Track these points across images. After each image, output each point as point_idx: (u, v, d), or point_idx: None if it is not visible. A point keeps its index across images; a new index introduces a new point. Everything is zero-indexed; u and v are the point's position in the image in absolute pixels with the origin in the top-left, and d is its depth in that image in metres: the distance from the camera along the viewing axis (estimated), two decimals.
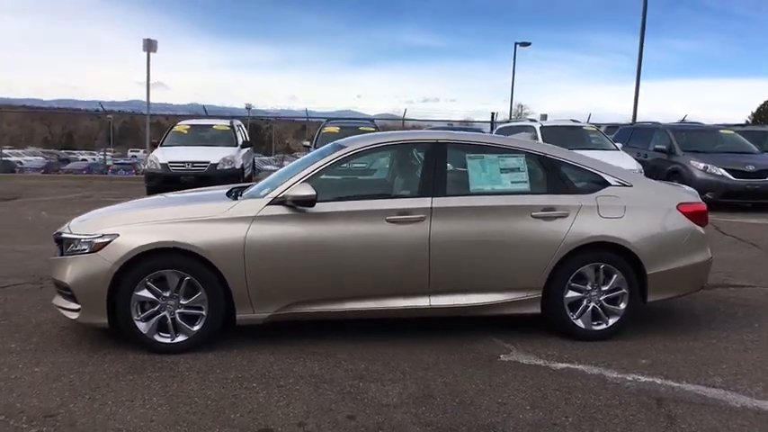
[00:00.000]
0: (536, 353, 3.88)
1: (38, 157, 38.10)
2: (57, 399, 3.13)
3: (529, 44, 30.06)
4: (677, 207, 4.24)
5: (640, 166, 10.80)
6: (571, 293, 4.09)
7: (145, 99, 18.16)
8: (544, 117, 21.79)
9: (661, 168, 12.16)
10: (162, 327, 3.74)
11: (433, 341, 4.03)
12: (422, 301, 3.96)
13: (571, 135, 12.07)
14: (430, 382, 3.41)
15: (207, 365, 3.59)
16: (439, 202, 3.94)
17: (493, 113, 23.67)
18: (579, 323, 4.11)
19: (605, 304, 4.13)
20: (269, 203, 3.82)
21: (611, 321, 4.14)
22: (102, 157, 35.89)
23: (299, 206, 3.79)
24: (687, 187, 4.85)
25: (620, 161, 10.91)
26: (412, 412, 3.04)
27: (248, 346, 3.87)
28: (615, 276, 4.10)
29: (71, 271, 3.71)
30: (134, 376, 3.42)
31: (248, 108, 45.22)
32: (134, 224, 3.78)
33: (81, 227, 3.88)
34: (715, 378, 3.55)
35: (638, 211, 4.14)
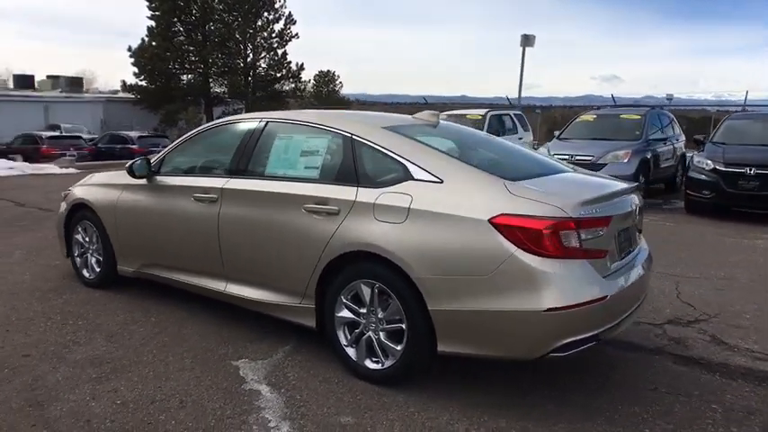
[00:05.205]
0: (310, 370, 3.26)
1: None
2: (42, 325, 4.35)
3: None
4: (491, 219, 2.72)
5: None
6: (345, 313, 3.20)
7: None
8: None
9: None
10: (86, 265, 4.82)
11: (261, 333, 3.76)
12: (220, 285, 3.82)
13: None
14: (142, 376, 3.22)
15: (99, 298, 4.46)
16: (231, 183, 3.70)
17: None
18: (350, 352, 3.19)
19: (383, 339, 3.07)
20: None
21: (388, 363, 3.05)
22: None
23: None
24: (574, 191, 2.86)
25: None
26: (83, 379, 3.16)
27: (156, 298, 4.42)
28: (392, 304, 3.00)
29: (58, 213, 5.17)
30: (53, 296, 4.56)
31: (669, 98, 41.62)
32: (84, 185, 4.92)
33: None
34: None
35: (425, 218, 2.87)
